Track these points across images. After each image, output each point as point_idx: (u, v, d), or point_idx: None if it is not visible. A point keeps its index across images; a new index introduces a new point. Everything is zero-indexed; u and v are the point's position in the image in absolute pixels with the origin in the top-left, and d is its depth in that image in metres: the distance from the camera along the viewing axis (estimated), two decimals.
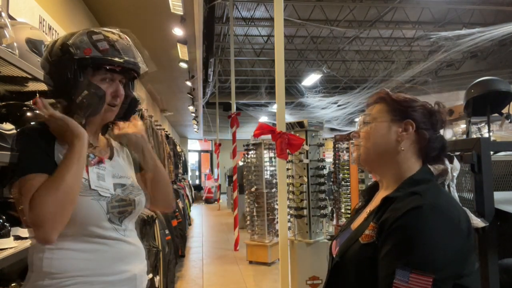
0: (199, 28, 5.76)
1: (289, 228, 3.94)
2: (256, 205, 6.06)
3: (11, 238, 1.48)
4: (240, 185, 7.53)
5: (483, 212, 1.44)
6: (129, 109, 1.25)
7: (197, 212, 12.64)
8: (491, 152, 1.52)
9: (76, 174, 1.04)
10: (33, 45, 1.73)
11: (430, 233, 0.85)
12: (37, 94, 1.88)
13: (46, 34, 2.71)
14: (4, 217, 1.50)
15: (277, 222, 5.87)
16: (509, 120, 2.54)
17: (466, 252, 0.88)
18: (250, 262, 5.80)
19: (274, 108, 14.84)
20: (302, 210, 4.01)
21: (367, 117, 1.10)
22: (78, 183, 1.04)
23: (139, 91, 7.30)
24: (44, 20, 2.73)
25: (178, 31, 5.20)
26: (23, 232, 1.58)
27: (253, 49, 13.06)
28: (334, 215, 6.76)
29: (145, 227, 3.05)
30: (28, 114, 1.69)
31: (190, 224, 9.22)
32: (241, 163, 7.98)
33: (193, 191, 13.76)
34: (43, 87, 1.85)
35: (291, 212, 4.05)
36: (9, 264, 1.38)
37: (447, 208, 0.90)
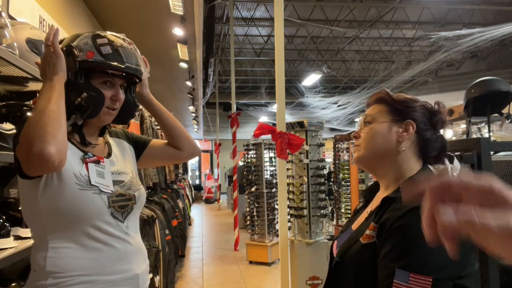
0: (199, 28, 5.76)
1: (289, 228, 3.94)
2: (256, 205, 6.06)
3: (11, 238, 1.48)
4: (240, 185, 7.53)
5: None
6: (128, 112, 1.25)
7: (197, 212, 12.64)
8: (491, 152, 1.52)
9: (59, 104, 1.04)
10: (33, 45, 1.73)
11: None
12: (37, 94, 1.88)
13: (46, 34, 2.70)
14: (4, 217, 1.49)
15: (277, 222, 5.87)
16: (509, 120, 2.54)
17: (466, 252, 0.88)
18: (250, 262, 5.80)
19: (274, 108, 14.84)
20: (302, 210, 4.01)
21: (367, 117, 1.09)
22: (62, 111, 1.04)
23: None
24: (44, 20, 2.73)
25: (178, 31, 5.20)
26: (23, 232, 1.58)
27: (253, 49, 13.06)
28: (334, 215, 6.77)
29: (145, 227, 3.05)
30: (28, 114, 1.69)
31: (190, 224, 9.22)
32: (241, 163, 7.98)
33: (193, 191, 13.77)
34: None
35: (291, 212, 4.05)
36: (9, 264, 1.38)
37: None
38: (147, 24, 5.26)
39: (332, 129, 16.56)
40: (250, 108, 16.37)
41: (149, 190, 4.00)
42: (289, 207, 3.95)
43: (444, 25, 10.88)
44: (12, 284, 1.60)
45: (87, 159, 1.14)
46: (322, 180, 4.12)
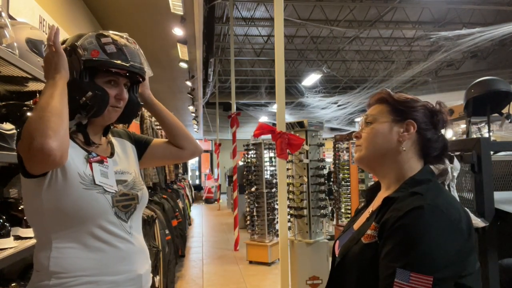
0: (199, 28, 5.76)
1: (289, 228, 3.94)
2: (256, 205, 6.06)
3: (11, 238, 1.48)
4: (240, 185, 7.53)
5: (483, 212, 1.44)
6: (131, 112, 1.25)
7: (197, 212, 12.64)
8: (491, 152, 1.52)
9: (61, 101, 1.03)
10: (33, 45, 1.73)
11: (431, 233, 0.85)
12: (37, 94, 1.88)
13: (46, 34, 2.70)
14: (4, 217, 1.49)
15: (277, 222, 5.87)
16: (509, 120, 2.54)
17: (466, 252, 0.88)
18: (250, 262, 5.80)
19: (274, 108, 14.85)
20: (302, 210, 4.01)
21: (369, 117, 1.09)
22: (65, 108, 1.04)
23: None
24: (44, 20, 2.73)
25: (178, 31, 5.20)
26: (23, 232, 1.58)
27: (253, 49, 13.06)
28: (334, 215, 6.77)
29: (145, 227, 3.05)
30: (28, 114, 1.69)
31: (190, 224, 9.22)
32: (241, 163, 7.98)
33: (193, 191, 13.77)
34: (43, 87, 1.85)
35: (291, 212, 4.05)
36: (9, 264, 1.38)
37: (448, 208, 0.90)
38: (147, 24, 5.26)
39: (332, 129, 16.58)
40: (250, 108, 16.37)
41: (149, 190, 3.99)
42: (289, 207, 3.95)
43: (444, 25, 10.87)
44: (12, 284, 1.60)
45: (91, 159, 1.14)
46: (322, 180, 4.12)
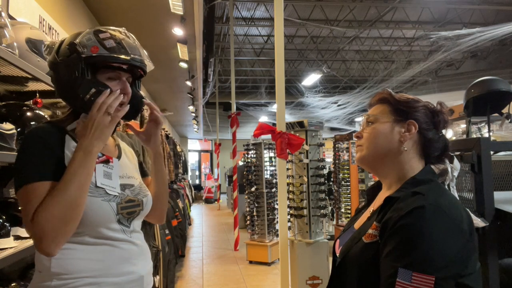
0: (199, 28, 5.76)
1: (289, 228, 3.94)
2: (256, 205, 6.06)
3: (11, 238, 1.48)
4: (240, 185, 7.53)
5: (483, 212, 1.44)
6: (135, 107, 1.23)
7: (197, 212, 12.64)
8: (491, 152, 1.52)
9: (81, 185, 1.02)
10: (33, 45, 1.73)
11: (432, 233, 0.85)
12: (37, 94, 1.88)
13: (46, 34, 2.71)
14: (4, 217, 1.49)
15: (277, 222, 5.87)
16: (509, 120, 2.54)
17: (468, 251, 0.88)
18: (250, 262, 5.80)
19: (274, 108, 14.85)
20: (302, 210, 4.01)
21: (370, 117, 1.10)
22: (84, 194, 1.03)
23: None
24: (44, 20, 2.73)
25: (178, 31, 5.20)
26: (23, 232, 1.58)
27: (253, 49, 13.06)
28: (334, 215, 6.77)
29: (145, 227, 3.05)
30: (28, 114, 1.69)
31: (190, 224, 9.22)
32: (241, 163, 7.98)
33: (193, 191, 13.76)
34: (43, 87, 1.85)
35: (291, 212, 4.05)
36: (9, 264, 1.38)
37: (449, 208, 0.90)
38: (147, 24, 5.25)
39: (332, 129, 16.59)
40: (250, 108, 16.37)
41: None
42: (289, 207, 3.95)
43: (444, 25, 10.87)
44: (12, 284, 1.60)
45: (97, 160, 1.12)
46: (322, 180, 4.12)
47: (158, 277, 3.23)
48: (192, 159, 20.85)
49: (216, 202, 14.81)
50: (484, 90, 2.45)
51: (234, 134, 6.90)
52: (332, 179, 6.84)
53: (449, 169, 1.39)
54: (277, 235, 5.88)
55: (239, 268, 5.59)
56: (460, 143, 1.66)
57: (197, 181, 20.21)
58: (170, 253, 3.91)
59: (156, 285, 3.06)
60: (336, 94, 14.11)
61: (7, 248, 1.42)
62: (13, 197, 1.79)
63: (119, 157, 1.24)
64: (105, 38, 1.10)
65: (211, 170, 20.04)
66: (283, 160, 3.33)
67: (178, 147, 7.91)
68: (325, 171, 4.53)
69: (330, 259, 1.20)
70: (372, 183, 1.28)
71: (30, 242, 1.51)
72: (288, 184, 4.02)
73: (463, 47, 9.00)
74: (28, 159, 1.03)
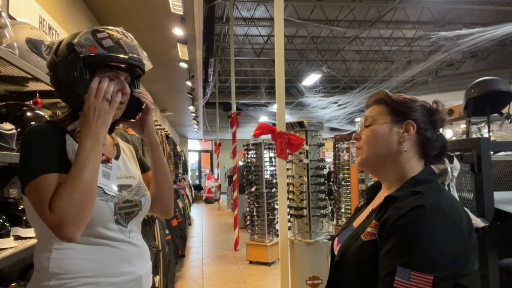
0: (199, 28, 5.76)
1: (289, 228, 3.94)
2: (256, 205, 6.06)
3: (11, 238, 1.48)
4: (240, 185, 7.53)
5: (483, 212, 1.44)
6: (134, 107, 1.24)
7: (197, 212, 12.64)
8: (491, 152, 1.52)
9: (94, 171, 1.04)
10: (33, 45, 1.73)
11: (432, 232, 0.85)
12: (37, 94, 1.88)
13: (46, 34, 2.71)
14: (4, 217, 1.49)
15: (277, 222, 5.87)
16: (509, 120, 2.54)
17: (467, 252, 0.88)
18: (250, 262, 5.80)
19: (274, 108, 14.85)
20: (302, 210, 4.01)
21: (368, 119, 1.09)
22: (96, 180, 1.05)
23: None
24: (44, 20, 2.73)
25: (178, 31, 5.20)
26: (23, 232, 1.58)
27: (253, 49, 13.06)
28: (334, 215, 6.77)
29: (145, 227, 3.05)
30: (28, 114, 1.69)
31: (190, 224, 9.22)
32: (241, 163, 7.98)
33: (193, 191, 13.76)
34: (43, 87, 1.85)
35: (291, 212, 4.05)
36: (9, 264, 1.38)
37: (448, 208, 0.90)
38: (147, 24, 5.25)
39: (332, 129, 16.59)
40: (250, 108, 16.37)
41: None
42: (289, 207, 3.95)
43: (444, 25, 10.87)
44: (12, 284, 1.60)
45: None
46: (322, 180, 4.12)
47: (158, 277, 3.23)
48: (192, 159, 20.86)
49: (216, 202, 14.82)
50: (484, 90, 2.45)
51: (234, 134, 6.90)
52: (332, 179, 6.84)
53: (449, 169, 1.39)
54: (277, 235, 5.88)
55: (239, 268, 5.59)
56: (460, 143, 1.66)
57: (197, 181, 20.21)
58: (170, 253, 3.91)
59: (156, 285, 3.06)
60: (336, 94, 14.12)
61: (7, 248, 1.42)
62: (13, 197, 1.79)
63: (117, 156, 1.24)
64: (103, 38, 1.10)
65: (211, 170, 20.04)
66: (283, 160, 3.33)
67: (178, 147, 7.92)
68: (325, 171, 4.53)
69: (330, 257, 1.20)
70: (372, 183, 1.27)
71: (30, 242, 1.51)
72: (288, 184, 4.02)
73: (463, 47, 9.01)
74: (32, 155, 1.04)
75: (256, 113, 16.88)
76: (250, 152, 6.37)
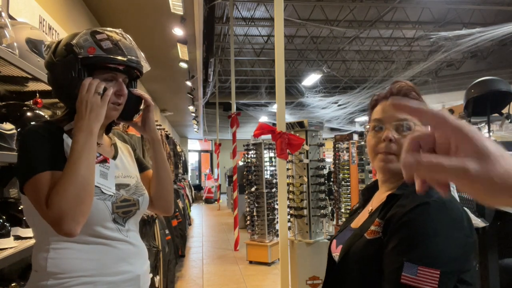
0: (199, 28, 5.76)
1: (289, 228, 3.94)
2: (256, 205, 6.06)
3: (11, 238, 1.48)
4: (240, 185, 7.53)
5: (483, 212, 1.44)
6: (132, 108, 1.24)
7: (197, 212, 12.64)
8: None
9: (89, 164, 1.04)
10: (33, 45, 1.73)
11: (437, 228, 0.87)
12: (37, 94, 1.88)
13: (46, 34, 2.71)
14: (4, 217, 1.49)
15: (277, 222, 5.87)
16: (509, 120, 2.54)
17: (469, 248, 0.90)
18: (250, 262, 5.80)
19: (274, 108, 14.84)
20: (302, 210, 4.01)
21: (409, 123, 1.00)
22: (92, 173, 1.05)
23: None
24: (44, 20, 2.73)
25: (178, 31, 5.20)
26: (23, 232, 1.58)
27: (253, 49, 13.06)
28: (334, 215, 6.77)
29: (145, 227, 3.05)
30: (28, 114, 1.69)
31: (190, 224, 9.22)
32: (241, 163, 7.97)
33: (193, 191, 13.76)
34: (43, 87, 1.85)
35: (291, 212, 4.05)
36: (9, 264, 1.38)
37: (451, 205, 0.92)
38: (147, 24, 5.25)
39: (332, 129, 16.58)
40: (250, 108, 16.38)
41: None
42: (289, 207, 3.95)
43: (444, 25, 10.88)
44: (12, 284, 1.60)
45: (95, 159, 1.13)
46: (322, 180, 4.12)
47: (158, 277, 3.23)
48: (192, 159, 20.86)
49: (216, 202, 14.81)
50: (484, 90, 2.45)
51: (234, 134, 6.90)
52: (332, 179, 6.84)
53: None
54: (277, 235, 5.88)
55: (239, 268, 5.59)
56: None
57: (197, 181, 20.21)
58: (170, 253, 3.91)
59: (156, 285, 3.06)
60: (336, 94, 14.12)
61: (7, 248, 1.42)
62: (13, 197, 1.79)
63: (115, 156, 1.25)
64: (101, 39, 1.10)
65: (211, 170, 20.04)
66: (283, 160, 3.33)
67: (178, 147, 7.92)
68: (325, 171, 4.53)
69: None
70: (370, 183, 1.26)
71: (30, 242, 1.51)
72: (288, 184, 4.02)
73: (463, 47, 9.01)
74: (30, 153, 1.04)
75: (256, 113, 16.88)
76: (250, 152, 6.37)
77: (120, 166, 1.23)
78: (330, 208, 6.27)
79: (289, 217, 3.97)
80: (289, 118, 13.91)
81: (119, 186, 1.18)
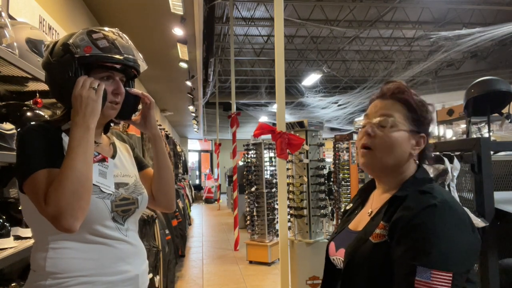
0: (199, 28, 5.76)
1: (289, 228, 3.94)
2: (256, 205, 6.06)
3: (11, 238, 1.48)
4: (240, 185, 7.53)
5: (483, 212, 1.43)
6: (129, 107, 1.24)
7: (197, 212, 12.63)
8: (491, 152, 1.52)
9: (86, 159, 1.03)
10: (33, 45, 1.73)
11: (446, 230, 0.87)
12: (37, 94, 1.88)
13: (46, 34, 2.71)
14: (4, 217, 1.49)
15: (277, 222, 5.87)
16: (509, 120, 2.54)
17: (476, 246, 0.91)
18: (250, 262, 5.80)
19: (274, 108, 14.85)
20: (302, 210, 4.01)
21: (387, 119, 1.01)
22: (90, 168, 1.04)
23: None
24: (44, 20, 2.73)
25: (178, 31, 5.20)
26: (23, 232, 1.58)
27: (253, 49, 13.06)
28: (334, 215, 6.77)
29: (145, 227, 3.05)
30: (28, 114, 1.69)
31: (190, 224, 9.22)
32: (241, 163, 7.97)
33: (193, 191, 13.76)
34: (43, 87, 1.85)
35: (291, 212, 4.05)
36: (9, 264, 1.38)
37: (455, 205, 0.92)
38: (147, 24, 5.25)
39: (332, 129, 16.58)
40: (250, 108, 16.38)
41: None
42: (289, 207, 3.95)
43: (444, 25, 10.87)
44: (12, 284, 1.60)
45: (94, 158, 1.13)
46: (322, 180, 4.12)
47: (158, 277, 3.23)
48: (192, 159, 20.86)
49: (216, 202, 14.81)
50: (484, 90, 2.45)
51: (234, 134, 6.90)
52: (332, 179, 6.83)
53: (449, 169, 1.39)
54: (277, 235, 5.88)
55: (239, 268, 5.59)
56: (460, 143, 1.66)
57: (197, 181, 20.20)
58: (170, 253, 3.91)
59: (156, 285, 3.06)
60: (336, 94, 14.13)
61: (7, 248, 1.42)
62: (13, 197, 1.79)
63: (114, 155, 1.25)
64: (98, 38, 1.11)
65: (211, 170, 20.04)
66: (283, 160, 3.33)
67: (178, 147, 7.92)
68: (325, 171, 4.53)
69: None
70: (365, 183, 1.26)
71: (30, 242, 1.51)
72: (288, 184, 4.02)
73: (463, 47, 9.02)
74: (28, 152, 1.04)
75: (256, 113, 16.88)
76: (250, 152, 6.37)
77: (119, 165, 1.24)
78: (330, 208, 6.27)
79: (289, 217, 3.97)
80: (289, 118, 13.92)
81: (118, 185, 1.18)
